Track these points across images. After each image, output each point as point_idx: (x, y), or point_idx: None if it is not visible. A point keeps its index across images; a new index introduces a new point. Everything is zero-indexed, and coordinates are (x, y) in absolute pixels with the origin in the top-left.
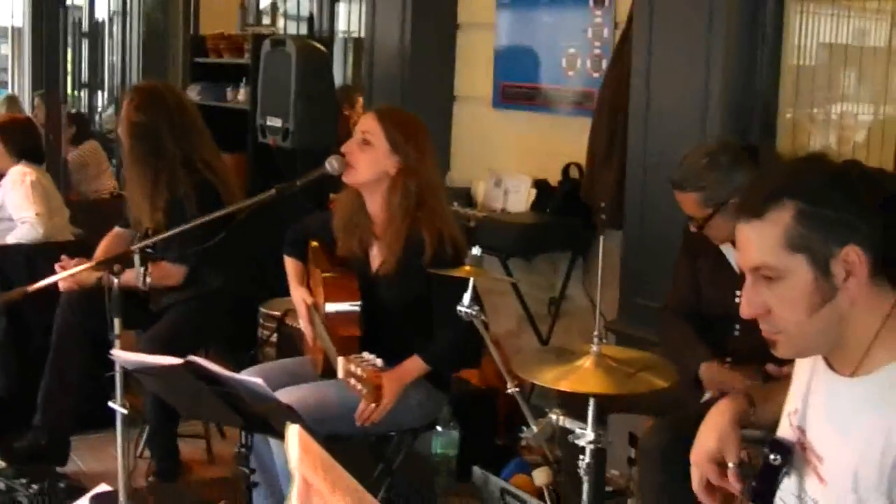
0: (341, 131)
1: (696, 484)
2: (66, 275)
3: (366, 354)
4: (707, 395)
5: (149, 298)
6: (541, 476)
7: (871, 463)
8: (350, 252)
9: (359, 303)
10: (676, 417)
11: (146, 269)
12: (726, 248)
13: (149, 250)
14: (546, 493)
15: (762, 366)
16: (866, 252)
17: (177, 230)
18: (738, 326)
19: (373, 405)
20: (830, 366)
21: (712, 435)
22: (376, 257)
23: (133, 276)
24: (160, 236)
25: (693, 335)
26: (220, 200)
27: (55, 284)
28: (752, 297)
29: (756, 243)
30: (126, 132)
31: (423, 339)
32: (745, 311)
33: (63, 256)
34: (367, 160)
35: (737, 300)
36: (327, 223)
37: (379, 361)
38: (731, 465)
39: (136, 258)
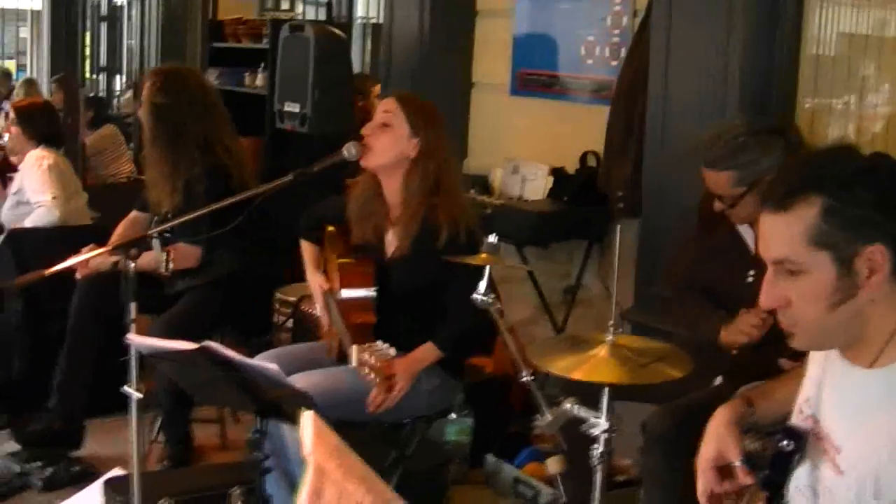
0: (355, 121)
1: (700, 491)
2: (82, 259)
3: (379, 343)
4: (718, 380)
5: (164, 283)
6: (554, 464)
7: (893, 455)
8: (364, 239)
9: (374, 289)
10: (680, 403)
11: (168, 255)
12: (744, 228)
13: (166, 234)
14: (559, 481)
15: (770, 354)
16: (890, 250)
17: (195, 214)
18: (744, 311)
19: (383, 394)
20: (846, 357)
21: (710, 442)
22: (391, 243)
23: (150, 259)
24: (178, 221)
25: (708, 305)
26: (231, 185)
27: (72, 269)
28: (773, 290)
29: (780, 236)
30: (148, 114)
31: (437, 326)
32: (765, 303)
33: (91, 246)
34: (387, 142)
35: (748, 280)
36: (343, 209)
37: (392, 351)
38: (736, 463)
39: (156, 243)
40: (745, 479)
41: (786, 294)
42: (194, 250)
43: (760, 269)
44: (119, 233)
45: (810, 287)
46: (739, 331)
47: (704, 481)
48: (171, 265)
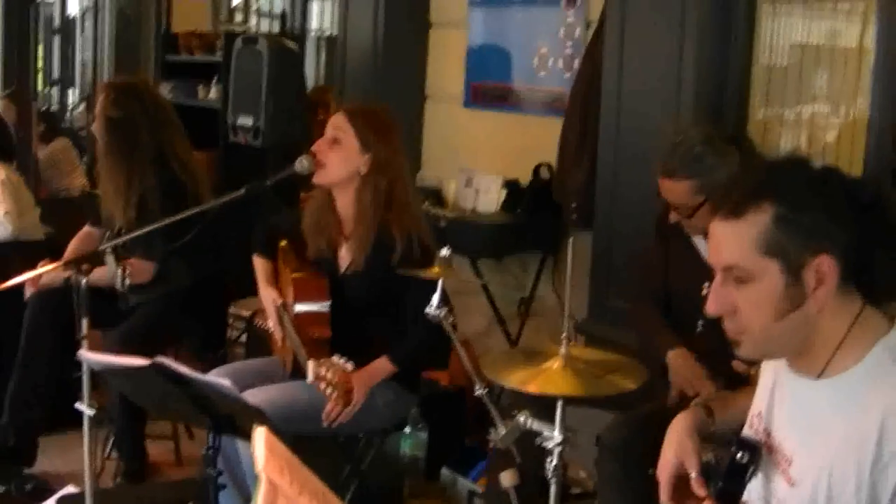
0: (316, 135)
1: (663, 501)
2: (35, 274)
3: (335, 358)
4: (672, 395)
5: (117, 297)
6: (507, 478)
7: (846, 465)
8: (319, 253)
9: (328, 303)
10: (636, 413)
11: (124, 270)
12: (698, 240)
13: (119, 249)
14: (511, 495)
15: (726, 366)
16: (838, 261)
17: (148, 228)
18: (701, 322)
19: (339, 407)
20: (795, 369)
21: (670, 449)
22: (345, 258)
23: (102, 274)
24: (131, 235)
25: (662, 322)
26: (185, 199)
27: (24, 284)
28: (720, 296)
29: (730, 243)
30: (102, 127)
31: (392, 340)
32: (712, 309)
33: (45, 261)
34: (338, 159)
35: (703, 293)
36: (297, 223)
37: (349, 365)
38: (693, 474)
39: (110, 258)
40: (699, 490)
41: (733, 301)
42: (148, 265)
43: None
44: (72, 248)
45: (758, 295)
46: (683, 377)
47: (663, 490)
48: (127, 280)
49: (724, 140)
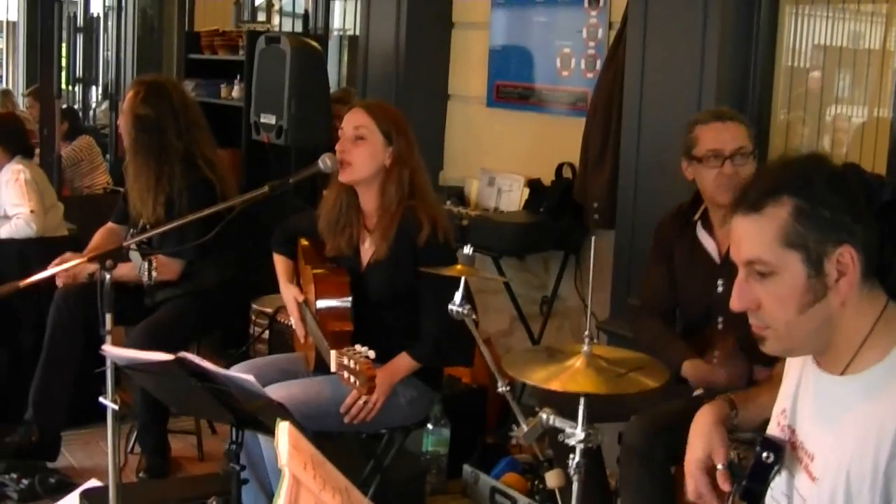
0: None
1: (690, 493)
2: (58, 270)
3: (358, 347)
4: (698, 392)
5: (144, 293)
6: (553, 478)
7: (864, 461)
8: (339, 252)
9: (349, 298)
10: (657, 413)
11: (150, 265)
12: (704, 239)
13: (144, 245)
14: (558, 496)
15: (750, 364)
16: (860, 255)
17: (171, 225)
18: (721, 319)
19: (361, 400)
20: (820, 366)
21: (699, 442)
22: (368, 250)
23: (127, 270)
24: (154, 231)
25: (669, 333)
26: (213, 198)
27: (48, 280)
28: (744, 292)
29: (752, 237)
30: (130, 125)
31: (414, 335)
32: (736, 305)
33: (67, 254)
34: (365, 155)
35: (718, 290)
36: (315, 223)
37: (371, 353)
38: (719, 466)
39: (135, 254)
40: (724, 484)
41: (756, 296)
42: (176, 263)
43: (728, 276)
44: (94, 243)
45: (781, 288)
46: (706, 381)
47: (694, 483)
48: (154, 274)
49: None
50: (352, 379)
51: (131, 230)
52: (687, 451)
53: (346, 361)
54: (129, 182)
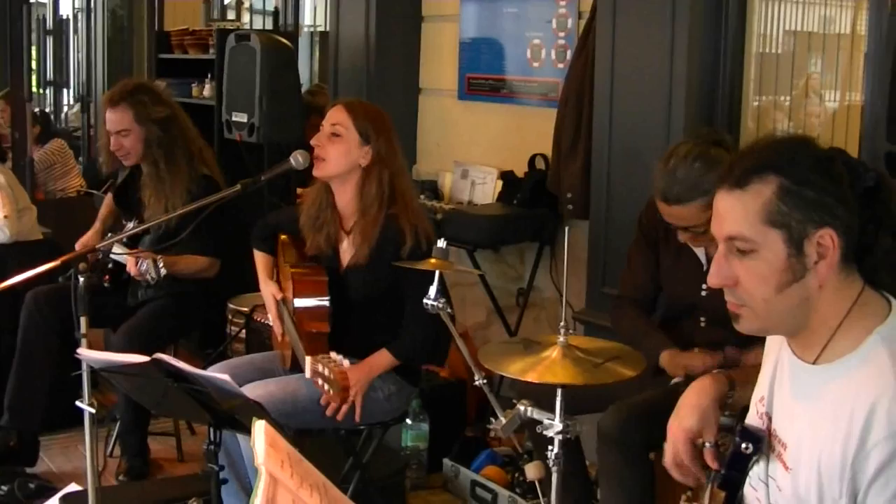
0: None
1: (668, 459)
2: (30, 275)
3: (333, 355)
4: (676, 379)
5: (127, 293)
6: (533, 470)
7: (833, 452)
8: (318, 249)
9: (327, 298)
10: (632, 401)
11: (155, 263)
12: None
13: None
14: (538, 487)
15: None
16: (840, 238)
17: (153, 223)
18: (703, 319)
19: (335, 403)
20: (794, 353)
21: (693, 414)
22: (346, 251)
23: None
24: (135, 229)
25: (648, 324)
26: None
27: (22, 284)
28: (722, 268)
29: (734, 213)
30: (151, 130)
31: (392, 333)
32: (713, 280)
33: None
34: (338, 152)
35: (703, 293)
36: (295, 219)
37: (346, 362)
38: (708, 444)
39: (120, 248)
40: (713, 462)
41: (735, 273)
42: (213, 261)
43: None
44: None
45: (760, 266)
46: (684, 366)
47: (676, 451)
48: (163, 270)
49: (711, 144)
50: (326, 387)
51: (134, 221)
52: (674, 417)
53: (320, 369)
54: (158, 185)
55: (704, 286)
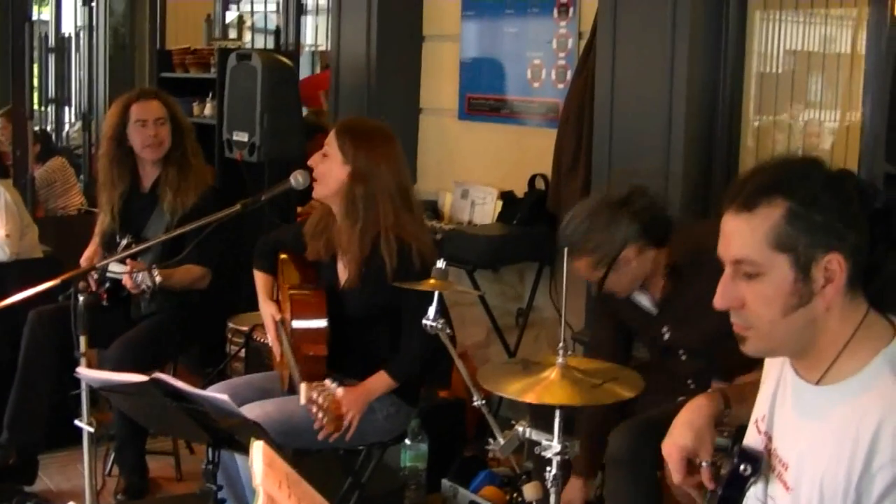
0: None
1: (675, 476)
2: (30, 293)
3: (328, 382)
4: (680, 399)
5: (129, 308)
6: (531, 490)
7: (837, 474)
8: (317, 255)
9: (325, 320)
10: (640, 420)
11: (150, 273)
12: (635, 295)
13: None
14: None
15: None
16: (847, 262)
17: (156, 240)
18: (682, 352)
19: (328, 431)
20: (797, 373)
21: (688, 432)
22: (343, 272)
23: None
24: (141, 247)
25: (588, 444)
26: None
27: (23, 302)
28: (729, 290)
29: (741, 236)
30: (188, 136)
31: (392, 352)
32: (720, 303)
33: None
34: (325, 171)
35: (665, 337)
36: (299, 234)
37: (339, 391)
38: (704, 463)
39: (118, 266)
40: (710, 482)
41: (741, 295)
42: (205, 271)
43: (672, 323)
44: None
45: (767, 289)
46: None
47: (681, 470)
48: (158, 278)
49: (614, 206)
50: (320, 415)
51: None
52: (668, 437)
53: (315, 396)
54: (171, 189)
55: (665, 329)
